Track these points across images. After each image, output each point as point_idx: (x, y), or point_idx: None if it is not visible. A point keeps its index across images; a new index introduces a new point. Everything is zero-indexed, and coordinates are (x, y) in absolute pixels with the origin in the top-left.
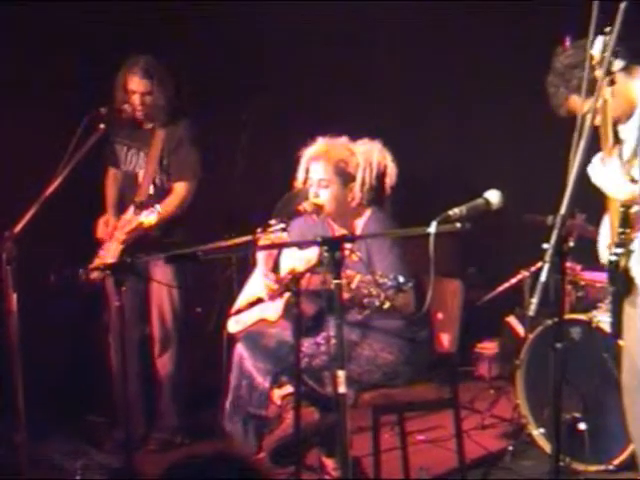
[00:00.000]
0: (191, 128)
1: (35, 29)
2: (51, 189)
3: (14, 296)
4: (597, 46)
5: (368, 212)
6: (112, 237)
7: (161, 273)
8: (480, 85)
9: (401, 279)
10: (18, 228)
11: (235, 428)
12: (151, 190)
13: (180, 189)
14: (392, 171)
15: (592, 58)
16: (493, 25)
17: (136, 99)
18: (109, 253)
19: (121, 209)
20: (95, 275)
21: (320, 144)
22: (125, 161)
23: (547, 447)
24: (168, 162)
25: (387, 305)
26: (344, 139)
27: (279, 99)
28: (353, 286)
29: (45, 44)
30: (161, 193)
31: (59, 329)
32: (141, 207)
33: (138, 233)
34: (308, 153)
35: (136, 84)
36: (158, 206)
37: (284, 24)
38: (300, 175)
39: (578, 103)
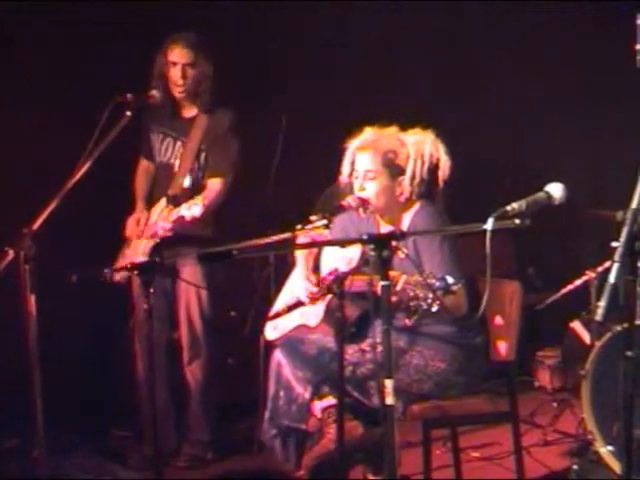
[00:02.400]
0: (233, 120)
1: (56, 16)
2: (72, 182)
3: (32, 298)
4: None
5: (417, 206)
6: (141, 235)
7: (189, 272)
8: (542, 73)
9: (450, 280)
10: (37, 224)
11: (273, 442)
12: (187, 183)
13: (215, 185)
14: (445, 164)
15: None
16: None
17: (177, 71)
18: (138, 251)
19: (150, 204)
20: (120, 276)
21: (367, 134)
22: (160, 151)
23: (616, 467)
24: (206, 155)
25: (435, 308)
26: (394, 129)
27: (322, 89)
28: (398, 288)
29: (66, 32)
30: (198, 187)
31: (81, 335)
32: (175, 201)
33: (177, 229)
34: (354, 144)
35: (178, 55)
36: (200, 198)
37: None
38: (345, 168)
39: None
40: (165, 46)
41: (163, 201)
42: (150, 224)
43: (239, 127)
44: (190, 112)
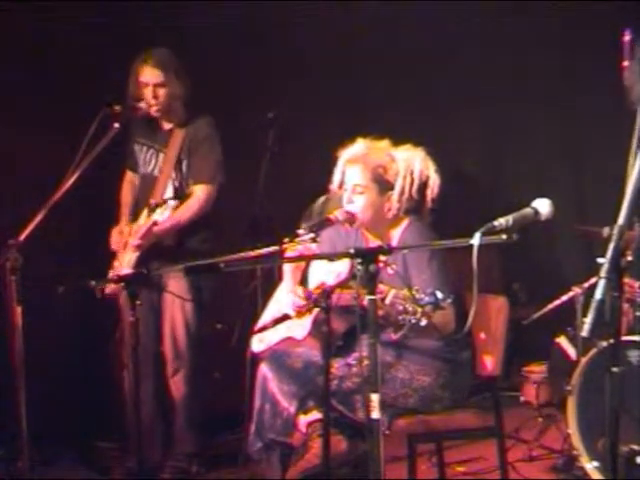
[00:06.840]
0: (212, 127)
1: (43, 25)
2: (60, 193)
3: (19, 309)
4: None
5: (405, 221)
6: (126, 246)
7: (175, 284)
8: (528, 87)
9: (439, 295)
10: (23, 235)
11: (258, 455)
12: (168, 193)
13: (199, 192)
14: (434, 183)
15: None
16: (542, 23)
17: (149, 92)
18: (123, 264)
19: (135, 216)
20: (111, 289)
21: (359, 146)
22: (144, 163)
23: None
24: (188, 163)
25: (424, 322)
26: (385, 143)
27: (314, 97)
28: (387, 302)
29: (53, 41)
30: (180, 196)
31: (67, 346)
32: (155, 210)
33: (153, 237)
34: (345, 155)
35: (148, 75)
36: (171, 201)
37: (319, 22)
38: (336, 178)
39: None
40: (135, 64)
41: (144, 213)
42: (133, 235)
43: (218, 132)
44: (169, 125)
